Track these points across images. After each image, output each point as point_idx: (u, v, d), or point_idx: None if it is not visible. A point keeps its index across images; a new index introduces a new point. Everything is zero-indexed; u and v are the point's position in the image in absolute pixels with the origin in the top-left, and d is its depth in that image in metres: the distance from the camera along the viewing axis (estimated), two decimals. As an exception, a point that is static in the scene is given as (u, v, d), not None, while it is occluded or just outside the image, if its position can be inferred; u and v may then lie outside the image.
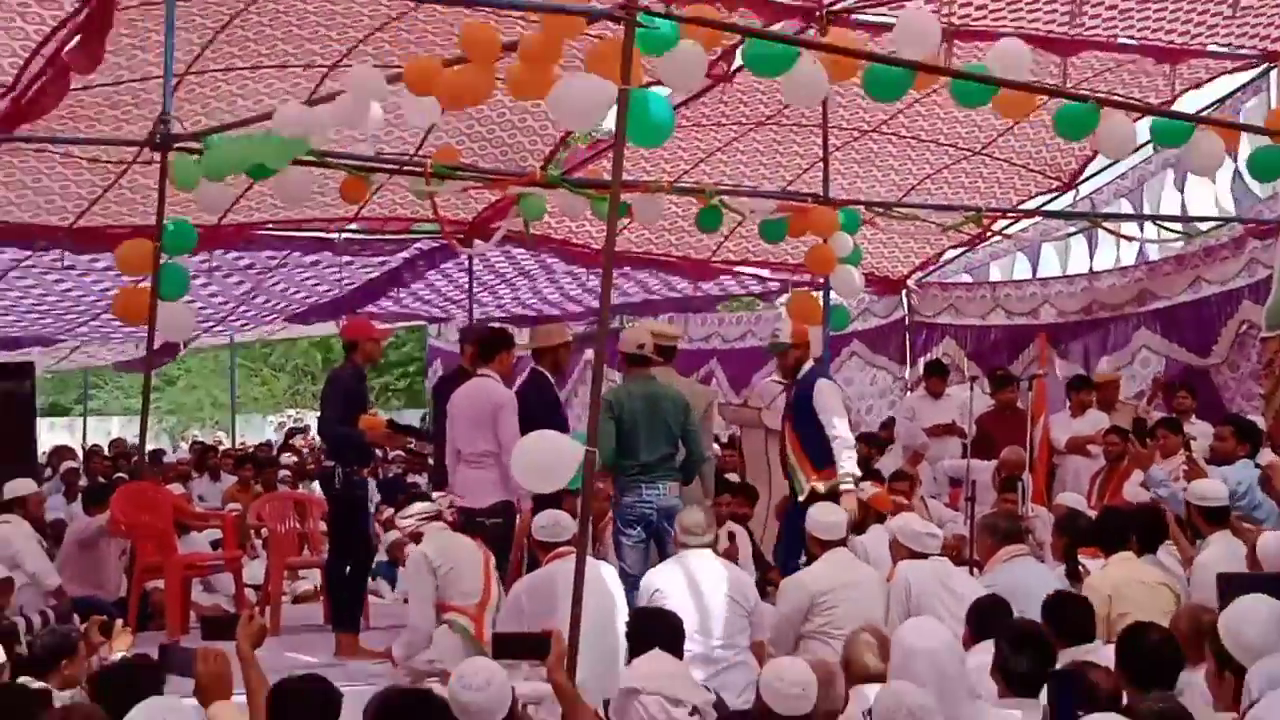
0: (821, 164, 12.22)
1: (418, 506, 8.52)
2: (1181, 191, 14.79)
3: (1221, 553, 8.49)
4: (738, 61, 10.96)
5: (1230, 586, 6.51)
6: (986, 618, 6.86)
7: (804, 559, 8.84)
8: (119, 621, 7.16)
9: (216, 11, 10.51)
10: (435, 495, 8.88)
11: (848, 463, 9.94)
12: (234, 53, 11.11)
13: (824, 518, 8.51)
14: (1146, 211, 14.98)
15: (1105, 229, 14.57)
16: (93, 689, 5.83)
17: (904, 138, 14.31)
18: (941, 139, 14.39)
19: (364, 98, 8.32)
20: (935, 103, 13.14)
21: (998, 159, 14.85)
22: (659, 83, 8.06)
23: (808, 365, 10.53)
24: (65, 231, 13.22)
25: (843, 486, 9.84)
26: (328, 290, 16.91)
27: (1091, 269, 16.21)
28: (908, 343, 17.95)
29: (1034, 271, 16.83)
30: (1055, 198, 15.50)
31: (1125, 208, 15.33)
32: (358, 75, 8.71)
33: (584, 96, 6.81)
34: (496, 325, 13.75)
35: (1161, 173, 14.99)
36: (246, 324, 19.20)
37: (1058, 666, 6.04)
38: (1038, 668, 6.00)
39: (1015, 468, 11.92)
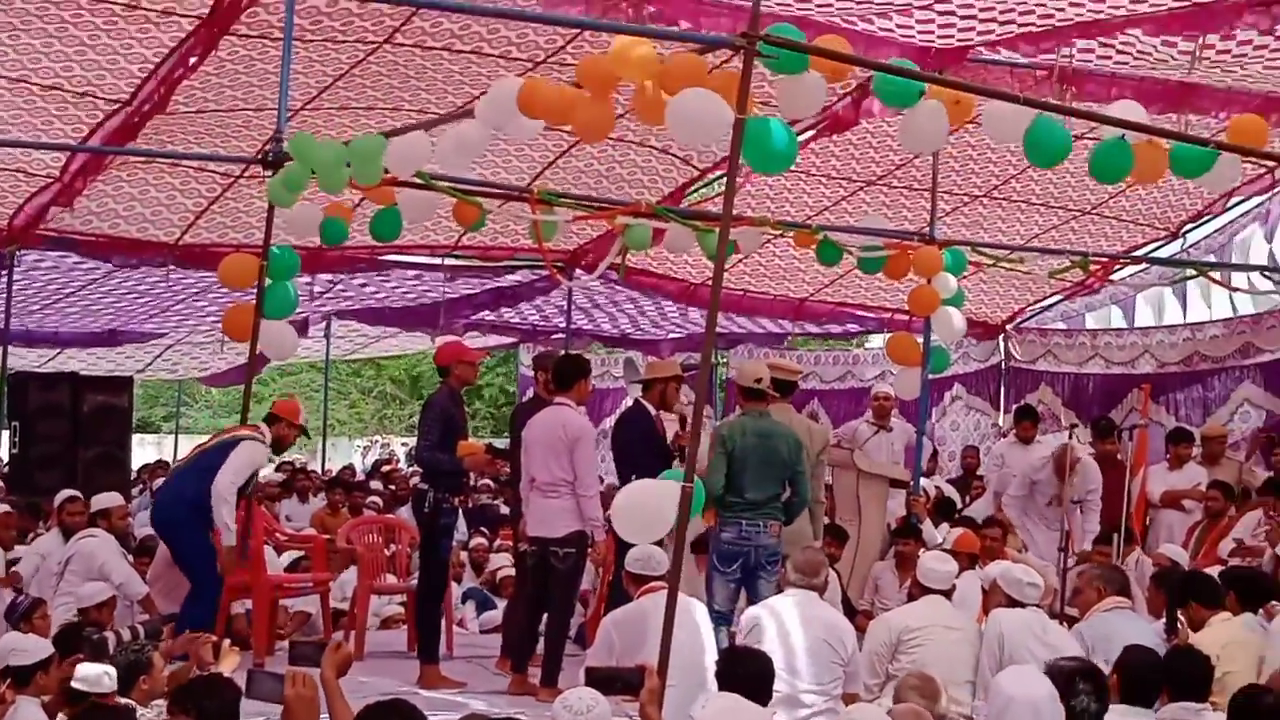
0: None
1: None
2: (1270, 243, 14.69)
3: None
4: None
5: None
6: None
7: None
8: (226, 641, 7.16)
9: (335, 59, 10.57)
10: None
11: None
12: (350, 96, 11.19)
13: (936, 566, 8.44)
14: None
15: (1211, 279, 14.24)
16: (172, 701, 5.82)
17: (1014, 201, 14.20)
18: (1052, 201, 14.25)
19: (490, 120, 7.97)
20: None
21: (1106, 217, 14.71)
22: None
23: None
24: (171, 247, 13.42)
25: None
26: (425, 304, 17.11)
27: (1190, 319, 16.11)
28: (1003, 388, 17.76)
29: (1130, 321, 16.65)
30: (1162, 245, 15.32)
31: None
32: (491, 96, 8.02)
33: (704, 113, 6.64)
34: (574, 353, 13.76)
35: (1251, 226, 14.88)
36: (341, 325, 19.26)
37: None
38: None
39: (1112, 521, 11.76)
